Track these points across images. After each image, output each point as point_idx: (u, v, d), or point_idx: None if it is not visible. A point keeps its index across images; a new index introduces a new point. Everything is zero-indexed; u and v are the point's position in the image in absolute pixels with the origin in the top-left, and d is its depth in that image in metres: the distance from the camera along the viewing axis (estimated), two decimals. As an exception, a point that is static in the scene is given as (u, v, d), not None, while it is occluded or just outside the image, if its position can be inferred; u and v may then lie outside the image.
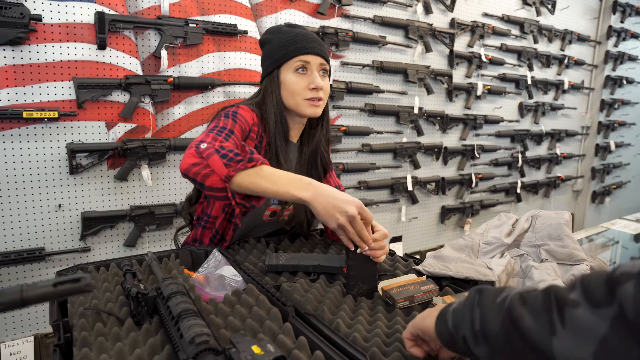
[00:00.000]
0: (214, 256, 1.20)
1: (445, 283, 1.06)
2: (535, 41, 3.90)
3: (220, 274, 1.10)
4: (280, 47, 1.26)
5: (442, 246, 1.30)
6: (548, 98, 4.18)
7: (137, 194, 2.13)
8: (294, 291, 0.96)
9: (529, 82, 3.87)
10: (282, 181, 1.01)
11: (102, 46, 1.93)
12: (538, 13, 3.89)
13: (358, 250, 1.01)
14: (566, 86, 4.23)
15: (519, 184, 4.01)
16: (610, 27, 4.49)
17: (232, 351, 0.66)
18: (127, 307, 0.88)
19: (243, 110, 1.25)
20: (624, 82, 4.81)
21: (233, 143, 1.09)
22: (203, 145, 1.02)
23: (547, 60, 4.03)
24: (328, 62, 1.31)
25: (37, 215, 1.91)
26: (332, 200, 0.97)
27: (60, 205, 1.94)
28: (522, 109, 3.93)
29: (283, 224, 1.38)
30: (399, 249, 2.91)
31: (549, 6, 3.97)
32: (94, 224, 2.00)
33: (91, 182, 2.01)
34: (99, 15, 1.89)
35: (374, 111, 2.90)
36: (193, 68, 2.21)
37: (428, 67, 3.14)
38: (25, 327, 1.96)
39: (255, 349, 0.66)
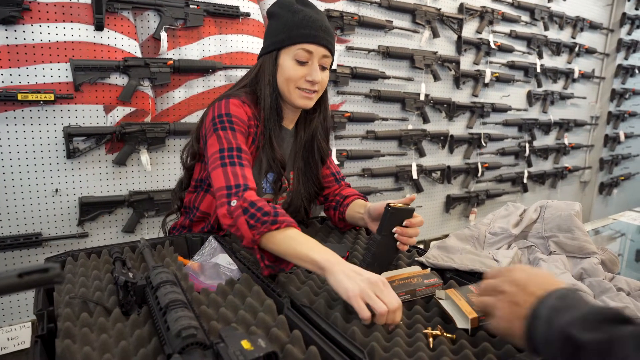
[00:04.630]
0: (210, 244, 1.16)
1: (449, 275, 1.02)
2: (546, 28, 3.81)
3: (215, 262, 1.06)
4: (286, 27, 1.18)
5: (446, 236, 1.25)
6: (557, 87, 4.10)
7: (135, 179, 2.09)
8: (290, 282, 0.92)
9: (538, 70, 3.79)
10: (305, 244, 0.92)
11: (99, 27, 1.88)
12: (549, -1, 3.80)
13: (393, 230, 1.02)
14: (576, 75, 4.14)
15: (526, 174, 3.95)
16: (624, 14, 4.37)
17: (221, 346, 0.62)
18: (116, 296, 0.85)
19: (235, 107, 1.18)
20: (637, 71, 4.70)
21: (247, 162, 1.11)
22: (233, 203, 1.01)
23: (557, 48, 3.93)
24: (332, 54, 1.23)
25: (34, 200, 1.87)
26: (353, 270, 0.83)
27: (57, 190, 1.91)
28: (531, 98, 3.85)
29: None
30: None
31: (561, -8, 3.87)
32: (91, 209, 1.97)
33: (89, 166, 1.97)
34: (96, -5, 1.83)
35: (379, 97, 2.83)
36: (194, 51, 2.15)
37: (435, 53, 3.07)
38: (23, 313, 1.94)
39: (245, 344, 0.62)
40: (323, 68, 1.22)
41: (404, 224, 1.04)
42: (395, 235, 1.03)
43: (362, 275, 0.81)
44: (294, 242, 0.92)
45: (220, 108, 1.18)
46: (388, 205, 1.04)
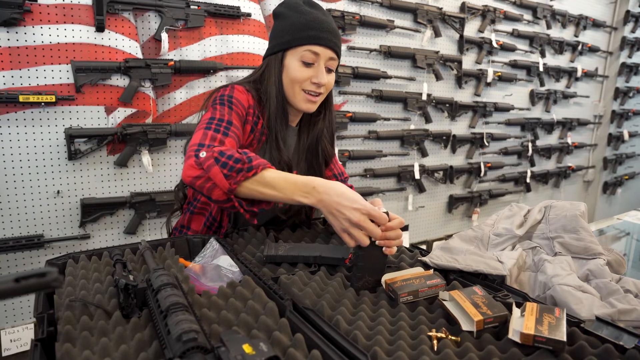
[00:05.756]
0: (211, 245, 1.15)
1: (453, 276, 1.01)
2: (549, 27, 3.79)
3: (216, 264, 1.05)
4: (292, 28, 1.17)
5: (449, 236, 1.24)
6: (560, 86, 4.08)
7: (137, 181, 2.09)
8: (293, 284, 0.91)
9: (541, 69, 3.77)
10: (286, 187, 0.98)
11: (100, 28, 1.88)
12: (552, -3, 3.78)
13: (376, 242, 0.97)
14: (579, 73, 4.12)
15: (529, 174, 3.93)
16: (628, 11, 4.35)
17: (222, 350, 0.61)
18: (116, 299, 0.84)
19: (238, 92, 1.19)
20: (640, 69, 4.68)
21: (234, 136, 1.09)
22: (202, 154, 0.99)
23: (560, 46, 3.91)
24: (339, 56, 1.22)
25: (36, 202, 1.87)
26: (337, 205, 0.93)
27: (58, 192, 1.91)
28: (533, 97, 3.83)
29: (278, 212, 1.33)
30: (405, 238, 2.86)
31: (564, -10, 3.86)
32: (93, 210, 1.97)
33: (90, 168, 1.97)
34: (97, -4, 1.83)
35: (381, 97, 2.82)
36: (194, 51, 2.15)
37: (437, 52, 3.05)
38: (26, 314, 1.93)
39: (247, 348, 0.61)
40: (329, 70, 1.22)
41: (381, 229, 0.98)
42: (377, 243, 0.98)
43: (345, 213, 0.91)
44: (275, 188, 0.98)
45: (224, 91, 1.19)
46: None
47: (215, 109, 1.14)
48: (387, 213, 0.98)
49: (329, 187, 0.96)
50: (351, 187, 1.45)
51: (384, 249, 0.98)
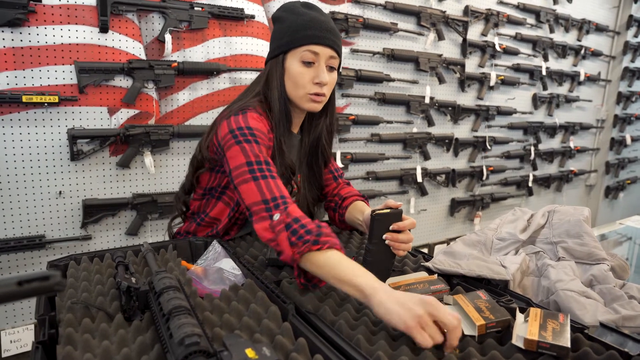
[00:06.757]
0: (214, 248, 1.15)
1: (456, 281, 1.00)
2: (552, 30, 3.79)
3: (218, 267, 1.05)
4: (290, 30, 1.16)
5: (451, 239, 1.24)
6: (563, 90, 4.07)
7: (139, 182, 2.09)
8: (295, 288, 0.91)
9: (544, 73, 3.76)
10: (349, 268, 0.86)
11: (104, 29, 1.88)
12: (555, 1, 3.77)
13: (386, 241, 0.99)
14: (582, 78, 4.11)
15: (531, 177, 3.92)
16: (630, 16, 4.34)
17: (224, 354, 0.61)
18: (118, 301, 0.84)
19: (255, 121, 1.14)
20: (643, 73, 4.67)
21: (277, 175, 1.05)
22: (276, 217, 0.96)
23: (563, 50, 3.91)
24: (339, 54, 1.20)
25: (38, 202, 1.87)
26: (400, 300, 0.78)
27: (60, 192, 1.90)
28: (536, 101, 3.82)
29: None
30: (406, 241, 2.85)
31: (567, -6, 3.85)
32: (95, 211, 1.96)
33: (92, 168, 1.96)
34: (101, -3, 1.83)
35: (383, 100, 2.82)
36: (198, 53, 2.15)
37: (440, 55, 3.05)
38: (26, 315, 1.93)
39: (250, 352, 0.61)
40: (331, 69, 1.21)
41: (393, 228, 1.01)
42: (387, 242, 1.00)
43: (414, 298, 0.75)
44: (336, 266, 0.86)
45: (238, 121, 1.12)
46: (373, 212, 1.02)
47: (244, 149, 1.07)
48: (400, 212, 1.02)
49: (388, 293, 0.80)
50: (348, 183, 1.45)
51: (393, 249, 1.00)
